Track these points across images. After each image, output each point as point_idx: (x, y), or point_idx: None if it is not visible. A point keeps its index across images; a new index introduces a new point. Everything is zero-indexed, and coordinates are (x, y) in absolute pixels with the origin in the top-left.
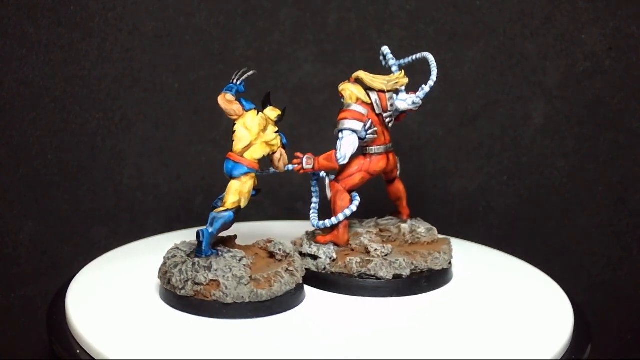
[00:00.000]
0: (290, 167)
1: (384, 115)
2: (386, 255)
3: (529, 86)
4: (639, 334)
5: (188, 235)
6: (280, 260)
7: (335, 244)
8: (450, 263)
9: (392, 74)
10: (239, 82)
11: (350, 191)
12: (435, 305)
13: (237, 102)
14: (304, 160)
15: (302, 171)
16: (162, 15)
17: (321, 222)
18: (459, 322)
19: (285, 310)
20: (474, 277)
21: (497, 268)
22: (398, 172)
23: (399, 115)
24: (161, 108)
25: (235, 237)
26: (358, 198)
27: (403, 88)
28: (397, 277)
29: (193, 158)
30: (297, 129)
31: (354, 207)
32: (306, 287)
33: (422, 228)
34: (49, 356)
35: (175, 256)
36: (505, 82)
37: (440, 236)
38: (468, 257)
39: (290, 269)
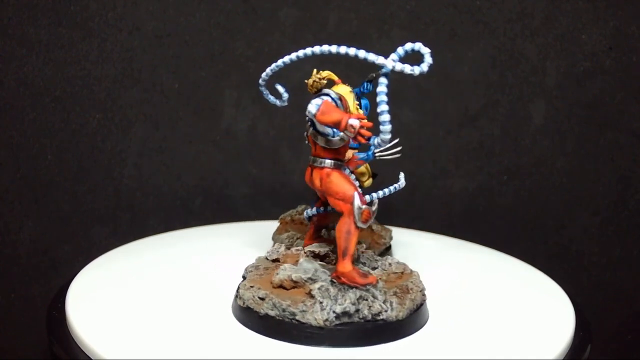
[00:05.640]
0: None
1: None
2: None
3: (529, 86)
4: (639, 334)
5: (188, 235)
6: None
7: None
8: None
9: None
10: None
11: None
12: (436, 306)
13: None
14: None
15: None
16: (162, 15)
17: None
18: (460, 322)
19: None
20: (474, 278)
21: (497, 269)
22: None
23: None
24: (161, 108)
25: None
26: (313, 209)
27: (325, 90)
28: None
29: (193, 158)
30: (297, 128)
31: (305, 214)
32: None
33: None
34: (48, 356)
35: None
36: (505, 82)
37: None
38: (468, 258)
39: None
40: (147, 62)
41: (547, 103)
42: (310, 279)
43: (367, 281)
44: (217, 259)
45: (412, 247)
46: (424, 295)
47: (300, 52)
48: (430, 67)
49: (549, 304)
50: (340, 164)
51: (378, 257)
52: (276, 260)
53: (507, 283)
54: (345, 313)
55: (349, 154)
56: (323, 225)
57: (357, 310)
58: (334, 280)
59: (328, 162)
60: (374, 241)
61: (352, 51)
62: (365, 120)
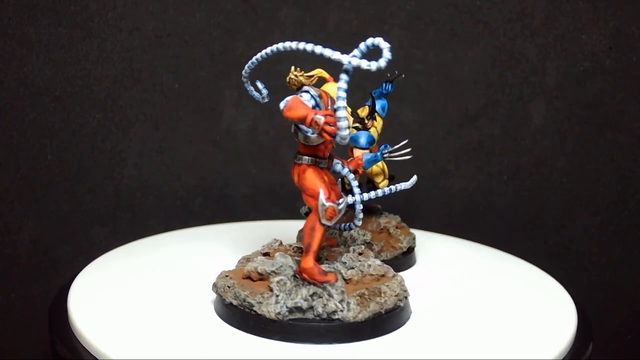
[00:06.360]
0: None
1: None
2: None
3: (529, 86)
4: (639, 334)
5: (188, 235)
6: None
7: None
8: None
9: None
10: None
11: None
12: (437, 305)
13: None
14: None
15: None
16: (162, 15)
17: None
18: (462, 321)
19: None
20: (474, 277)
21: (497, 268)
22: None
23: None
24: (161, 108)
25: None
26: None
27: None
28: None
29: (193, 158)
30: None
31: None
32: None
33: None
34: (49, 356)
35: None
36: (505, 82)
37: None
38: (468, 257)
39: None
40: (147, 62)
41: (547, 103)
42: (273, 272)
43: (324, 279)
44: (217, 259)
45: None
46: (400, 300)
47: (268, 49)
48: (389, 62)
49: (551, 303)
50: (318, 161)
51: (362, 258)
52: (267, 254)
53: (508, 282)
54: (297, 308)
55: (358, 153)
56: None
57: (312, 307)
58: (297, 276)
59: (305, 158)
60: (389, 245)
61: (309, 47)
62: (331, 117)
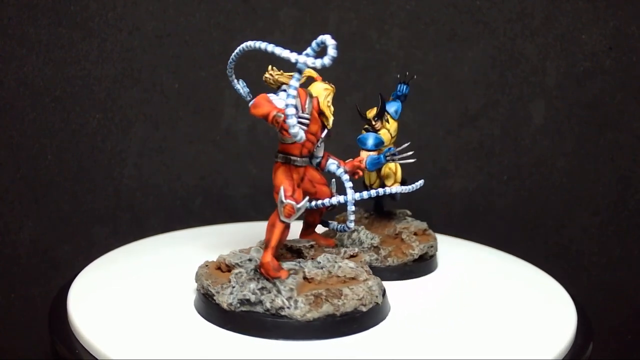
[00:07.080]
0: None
1: None
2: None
3: (529, 86)
4: (639, 334)
5: (188, 235)
6: None
7: None
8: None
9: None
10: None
11: None
12: (438, 305)
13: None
14: None
15: None
16: (162, 15)
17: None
18: (463, 321)
19: None
20: (475, 277)
21: (497, 268)
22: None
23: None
24: (161, 108)
25: None
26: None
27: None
28: None
29: (193, 158)
30: None
31: None
32: None
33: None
34: (49, 356)
35: None
36: (505, 82)
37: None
38: (468, 257)
39: None
40: (147, 62)
41: (547, 103)
42: (237, 264)
43: (276, 275)
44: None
45: None
46: (363, 305)
47: (238, 49)
48: (334, 59)
49: (551, 302)
50: (293, 159)
51: (339, 259)
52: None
53: (508, 282)
54: (247, 300)
55: (364, 154)
56: (311, 222)
57: (261, 302)
58: (257, 269)
59: (280, 156)
60: (399, 250)
61: (263, 45)
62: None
